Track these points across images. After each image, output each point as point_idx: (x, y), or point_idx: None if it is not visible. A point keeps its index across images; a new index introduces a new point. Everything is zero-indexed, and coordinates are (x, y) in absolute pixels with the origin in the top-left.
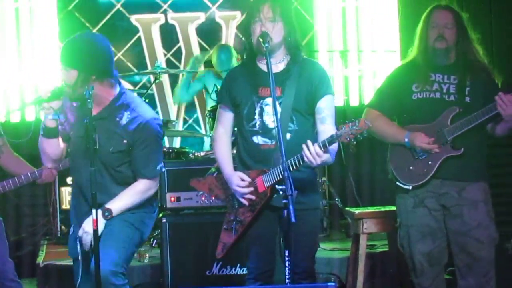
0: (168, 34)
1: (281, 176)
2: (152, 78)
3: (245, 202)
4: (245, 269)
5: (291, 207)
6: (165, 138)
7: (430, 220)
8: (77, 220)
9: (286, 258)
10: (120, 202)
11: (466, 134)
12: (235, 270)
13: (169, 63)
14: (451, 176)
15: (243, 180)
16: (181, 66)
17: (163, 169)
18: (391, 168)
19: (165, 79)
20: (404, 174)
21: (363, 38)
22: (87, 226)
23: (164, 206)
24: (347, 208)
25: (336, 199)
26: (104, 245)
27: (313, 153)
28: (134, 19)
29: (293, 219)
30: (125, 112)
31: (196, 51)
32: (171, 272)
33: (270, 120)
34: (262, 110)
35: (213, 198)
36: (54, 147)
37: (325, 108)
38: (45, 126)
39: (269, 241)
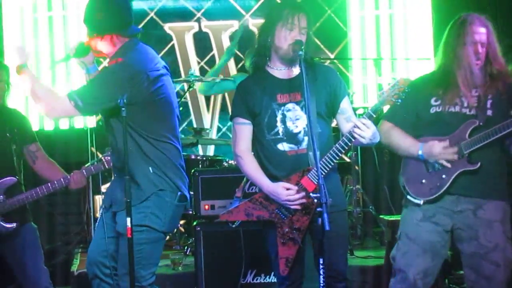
0: (202, 42)
1: (328, 170)
2: (185, 86)
3: (298, 207)
4: (267, 277)
5: (325, 215)
6: (199, 146)
7: (435, 237)
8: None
9: (321, 266)
10: (38, 85)
11: (485, 149)
12: (269, 278)
13: (202, 71)
14: (466, 192)
15: (288, 189)
16: None
17: (79, 103)
18: (403, 180)
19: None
20: (415, 188)
21: (397, 46)
22: None
23: (198, 214)
24: (381, 216)
25: (370, 207)
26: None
27: (362, 126)
28: (167, 27)
29: (327, 227)
30: None
31: None
32: (205, 280)
33: (293, 126)
34: (284, 116)
35: (254, 220)
36: None
37: (348, 108)
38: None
39: (299, 252)
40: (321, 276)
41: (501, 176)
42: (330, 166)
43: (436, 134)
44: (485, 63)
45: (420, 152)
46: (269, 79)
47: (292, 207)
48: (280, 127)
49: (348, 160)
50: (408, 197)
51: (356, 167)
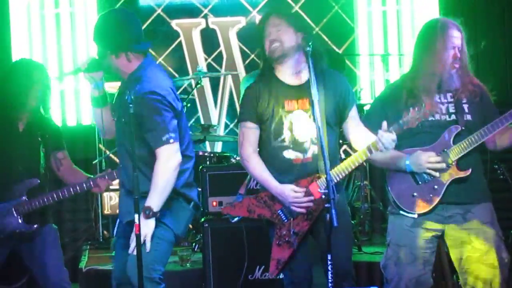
0: (209, 39)
1: (338, 180)
2: (193, 82)
3: (303, 211)
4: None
5: (333, 211)
6: (207, 143)
7: (425, 243)
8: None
9: (329, 262)
10: (154, 194)
11: (467, 153)
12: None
13: (210, 67)
14: (456, 200)
15: (296, 191)
16: (222, 71)
17: (171, 140)
18: (393, 196)
19: (206, 83)
20: (407, 202)
21: (404, 42)
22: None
23: (206, 210)
24: (388, 212)
25: (378, 203)
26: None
27: (388, 140)
28: (174, 24)
29: (335, 223)
30: (137, 85)
31: (237, 55)
32: (213, 276)
33: (300, 134)
34: (291, 124)
35: (255, 217)
36: (106, 118)
37: (356, 116)
38: (91, 96)
39: (307, 251)
40: (329, 272)
41: (483, 177)
42: (342, 176)
43: (418, 144)
44: (458, 68)
45: (407, 163)
46: (278, 85)
47: (298, 210)
48: (286, 135)
49: None
50: (401, 212)
51: (364, 163)
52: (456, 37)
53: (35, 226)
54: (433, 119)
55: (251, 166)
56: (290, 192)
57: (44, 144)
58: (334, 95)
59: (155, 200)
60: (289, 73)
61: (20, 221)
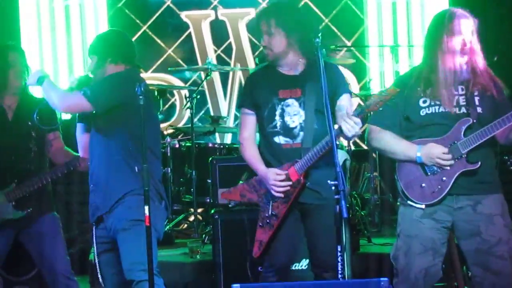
0: (218, 31)
1: (312, 162)
2: (202, 74)
3: (281, 195)
4: (297, 264)
5: (343, 202)
6: (216, 134)
7: (436, 234)
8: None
9: (339, 254)
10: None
11: (478, 146)
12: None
13: (219, 59)
14: (466, 192)
15: (278, 174)
16: (232, 62)
17: (88, 93)
18: (401, 186)
19: (215, 75)
20: (416, 193)
21: (414, 33)
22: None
23: (216, 202)
24: (398, 203)
25: (388, 195)
26: (130, 253)
27: (352, 123)
28: (184, 15)
29: (345, 215)
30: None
31: (246, 47)
32: (223, 268)
33: (290, 121)
34: (283, 111)
35: (246, 202)
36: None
37: (346, 105)
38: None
39: (291, 236)
40: (339, 264)
41: (494, 170)
42: (316, 158)
43: (429, 135)
44: (469, 58)
45: (418, 154)
46: (275, 75)
47: (275, 193)
48: (278, 121)
49: (365, 147)
50: (409, 202)
51: (374, 155)
52: (464, 25)
53: (28, 210)
54: (444, 111)
55: (243, 149)
56: (271, 175)
57: (34, 128)
58: (328, 84)
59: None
60: (286, 67)
61: (12, 207)
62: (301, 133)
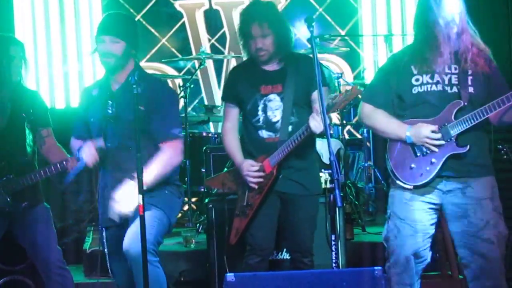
0: (212, 20)
1: (285, 154)
2: (196, 63)
3: (254, 186)
4: (285, 254)
5: (337, 191)
6: (210, 124)
7: (424, 216)
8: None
9: (333, 243)
10: (150, 173)
11: (469, 128)
12: (281, 255)
13: (213, 48)
14: (455, 174)
15: (252, 166)
16: (226, 51)
17: (181, 134)
18: (391, 165)
19: (209, 64)
20: (404, 173)
21: (408, 22)
22: (117, 195)
23: (210, 191)
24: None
25: (382, 184)
26: (135, 226)
27: (319, 120)
28: (178, 4)
29: (339, 204)
30: (141, 81)
31: None
32: (217, 257)
33: (272, 115)
34: (265, 106)
35: (226, 190)
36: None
37: (316, 102)
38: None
39: (270, 222)
40: (333, 253)
41: (486, 153)
42: (288, 150)
43: (420, 115)
44: (462, 36)
45: (408, 134)
46: (257, 70)
47: (250, 184)
48: (261, 116)
49: (359, 136)
50: (398, 181)
51: (368, 144)
52: (450, 2)
53: (23, 204)
54: (436, 89)
55: (225, 140)
56: (246, 166)
57: (29, 120)
58: (306, 77)
59: (149, 178)
60: (270, 63)
61: (8, 199)
62: (283, 127)
